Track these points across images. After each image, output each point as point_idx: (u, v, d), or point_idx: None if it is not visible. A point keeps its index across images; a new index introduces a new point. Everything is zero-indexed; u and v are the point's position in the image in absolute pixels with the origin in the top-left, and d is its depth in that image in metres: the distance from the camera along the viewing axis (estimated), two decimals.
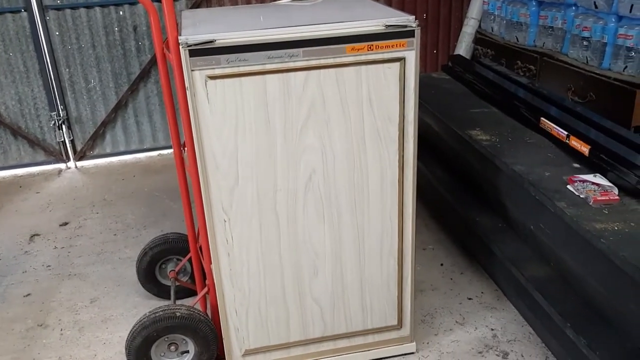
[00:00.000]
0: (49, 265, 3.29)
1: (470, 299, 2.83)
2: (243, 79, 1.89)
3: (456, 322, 2.67)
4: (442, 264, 3.12)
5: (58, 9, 4.29)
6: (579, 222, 2.08)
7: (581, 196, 2.24)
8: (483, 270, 3.00)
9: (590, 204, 2.18)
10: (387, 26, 1.90)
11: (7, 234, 3.66)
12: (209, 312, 2.50)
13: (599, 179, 2.33)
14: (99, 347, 2.63)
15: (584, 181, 2.32)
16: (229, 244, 2.11)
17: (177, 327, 2.24)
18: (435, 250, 3.25)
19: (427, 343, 2.54)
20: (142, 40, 4.52)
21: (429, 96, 3.53)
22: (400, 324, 2.41)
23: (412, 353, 2.47)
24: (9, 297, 3.02)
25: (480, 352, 2.48)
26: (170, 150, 4.78)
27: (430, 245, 3.30)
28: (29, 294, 3.04)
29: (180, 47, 1.82)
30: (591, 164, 2.46)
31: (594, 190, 2.25)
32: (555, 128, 2.72)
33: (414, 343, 2.47)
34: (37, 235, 3.63)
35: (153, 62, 4.56)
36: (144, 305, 2.83)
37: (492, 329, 2.61)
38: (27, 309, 2.91)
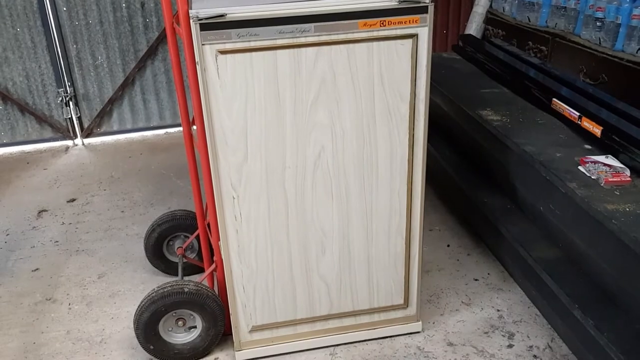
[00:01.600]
0: (56, 241, 3.31)
1: (476, 280, 2.83)
2: (254, 54, 1.87)
3: (462, 302, 2.67)
4: (448, 245, 3.11)
5: None
6: (590, 203, 2.07)
7: (592, 177, 2.22)
8: (490, 251, 3.00)
9: (602, 185, 2.17)
10: (401, 1, 1.88)
11: (15, 210, 3.68)
12: (216, 289, 2.51)
13: (611, 160, 2.31)
14: (106, 321, 2.65)
15: (595, 162, 2.30)
16: (238, 220, 2.11)
17: (185, 302, 2.25)
18: (442, 231, 3.24)
19: (433, 323, 2.55)
20: (150, 17, 4.49)
21: (439, 76, 3.49)
22: (406, 303, 2.41)
23: (418, 332, 2.48)
24: (17, 272, 3.04)
25: (486, 333, 2.49)
26: (177, 129, 4.78)
27: (436, 226, 3.29)
28: (37, 269, 3.06)
29: (191, 21, 1.81)
30: (603, 145, 2.44)
31: (606, 172, 2.23)
32: (567, 109, 2.69)
33: (420, 322, 2.47)
34: (45, 211, 3.65)
35: (160, 39, 4.53)
36: (151, 282, 2.85)
37: (498, 310, 2.61)
38: (36, 284, 2.94)
